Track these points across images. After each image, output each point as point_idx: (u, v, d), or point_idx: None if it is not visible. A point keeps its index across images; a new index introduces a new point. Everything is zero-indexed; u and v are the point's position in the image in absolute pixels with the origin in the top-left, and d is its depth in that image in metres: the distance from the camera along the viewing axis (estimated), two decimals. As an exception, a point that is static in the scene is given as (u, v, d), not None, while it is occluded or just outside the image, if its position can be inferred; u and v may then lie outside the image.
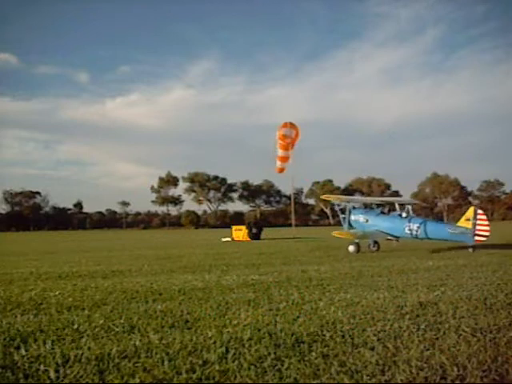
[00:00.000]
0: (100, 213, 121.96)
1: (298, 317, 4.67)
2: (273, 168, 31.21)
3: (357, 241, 14.86)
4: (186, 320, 4.63)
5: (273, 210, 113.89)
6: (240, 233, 29.16)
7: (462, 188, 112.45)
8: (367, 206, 17.23)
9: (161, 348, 3.62)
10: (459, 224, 14.48)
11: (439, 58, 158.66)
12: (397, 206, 16.29)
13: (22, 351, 3.59)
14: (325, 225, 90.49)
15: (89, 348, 3.65)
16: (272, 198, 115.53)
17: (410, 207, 15.84)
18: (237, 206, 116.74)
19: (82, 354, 3.49)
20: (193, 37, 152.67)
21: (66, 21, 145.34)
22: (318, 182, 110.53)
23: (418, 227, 14.73)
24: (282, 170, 31.05)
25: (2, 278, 8.73)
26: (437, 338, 3.83)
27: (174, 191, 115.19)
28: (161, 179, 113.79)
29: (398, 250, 15.02)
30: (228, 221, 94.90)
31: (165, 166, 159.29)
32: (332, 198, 18.64)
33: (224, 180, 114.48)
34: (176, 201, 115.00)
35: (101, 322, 4.58)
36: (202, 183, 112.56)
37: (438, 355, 3.37)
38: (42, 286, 7.40)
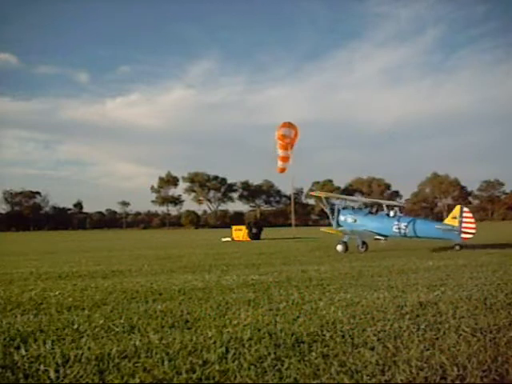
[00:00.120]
0: (100, 213, 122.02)
1: (298, 317, 4.66)
2: (273, 168, 31.23)
3: (345, 240, 15.14)
4: (186, 320, 4.62)
5: (273, 209, 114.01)
6: (240, 233, 29.17)
7: (462, 188, 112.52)
8: (356, 207, 17.52)
9: (161, 348, 3.62)
10: (446, 222, 14.73)
11: (439, 58, 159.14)
12: (384, 207, 16.53)
13: (22, 351, 3.58)
14: (325, 225, 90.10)
15: (89, 348, 3.64)
16: (272, 198, 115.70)
17: (397, 208, 16.18)
18: (237, 206, 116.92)
19: (82, 354, 3.48)
20: (193, 37, 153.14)
21: (66, 20, 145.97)
22: (318, 182, 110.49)
23: (407, 226, 14.96)
24: (283, 170, 31.06)
25: (2, 278, 8.73)
26: (437, 338, 3.83)
27: (174, 191, 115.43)
28: (161, 179, 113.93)
29: (393, 250, 15.04)
30: (228, 221, 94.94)
31: (165, 166, 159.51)
32: (320, 194, 18.94)
33: (224, 180, 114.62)
34: (176, 201, 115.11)
35: (101, 322, 4.58)
36: (202, 183, 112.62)
37: (437, 355, 3.37)
38: (42, 286, 7.40)
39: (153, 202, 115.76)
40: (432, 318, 4.53)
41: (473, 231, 14.22)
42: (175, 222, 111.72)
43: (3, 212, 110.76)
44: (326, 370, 3.12)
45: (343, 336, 3.91)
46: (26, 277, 8.97)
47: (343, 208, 17.04)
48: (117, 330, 4.25)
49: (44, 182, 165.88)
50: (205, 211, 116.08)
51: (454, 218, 14.41)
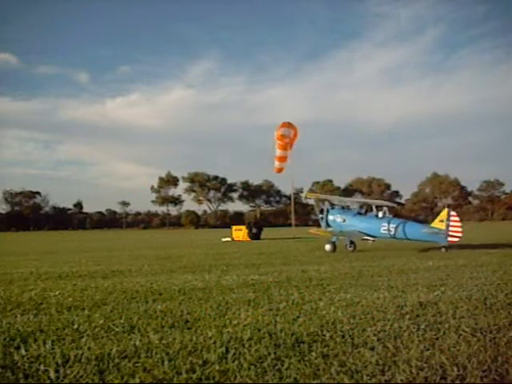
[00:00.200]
0: (100, 213, 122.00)
1: (298, 317, 4.66)
2: (273, 168, 31.18)
3: (333, 240, 15.41)
4: (186, 320, 4.62)
5: (273, 209, 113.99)
6: (240, 233, 29.17)
7: (462, 188, 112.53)
8: (345, 207, 17.65)
9: (161, 348, 3.62)
10: (433, 225, 14.90)
11: (439, 58, 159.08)
12: (374, 207, 16.66)
13: (22, 351, 3.58)
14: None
15: (89, 348, 3.64)
16: (272, 198, 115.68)
17: (386, 209, 16.29)
18: (237, 206, 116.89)
19: (82, 354, 3.48)
20: (193, 37, 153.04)
21: (66, 20, 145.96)
22: (318, 182, 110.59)
23: (395, 227, 15.14)
24: (280, 170, 30.99)
25: (2, 278, 8.73)
26: (437, 338, 3.83)
27: (174, 191, 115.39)
28: (161, 179, 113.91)
29: (383, 250, 15.06)
30: (228, 221, 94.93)
31: (165, 166, 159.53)
32: (312, 195, 19.19)
33: (224, 180, 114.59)
34: (176, 201, 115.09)
35: (101, 322, 4.58)
36: (202, 183, 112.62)
37: (438, 355, 3.37)
38: (42, 286, 7.40)
39: (153, 202, 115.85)
40: (432, 318, 4.53)
41: (459, 234, 14.45)
42: (175, 222, 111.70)
43: (3, 212, 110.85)
44: (325, 369, 3.12)
45: (343, 336, 3.91)
46: (26, 277, 8.97)
47: (332, 208, 17.31)
48: (117, 329, 4.25)
49: (44, 181, 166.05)
50: (205, 211, 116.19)
51: (441, 221, 14.60)
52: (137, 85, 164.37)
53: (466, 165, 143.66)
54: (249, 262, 11.46)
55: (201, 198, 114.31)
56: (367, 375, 3.02)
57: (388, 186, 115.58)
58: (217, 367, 3.18)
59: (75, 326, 4.40)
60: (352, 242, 16.23)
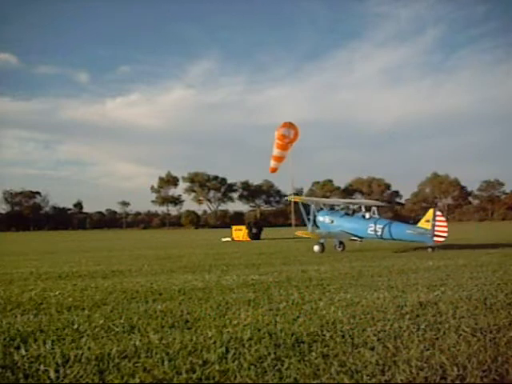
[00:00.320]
0: (100, 213, 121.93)
1: (298, 317, 4.67)
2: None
3: (322, 241, 15.56)
4: (186, 320, 4.63)
5: (273, 209, 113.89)
6: (240, 233, 29.17)
7: (462, 188, 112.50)
8: (332, 208, 17.91)
9: (161, 348, 3.62)
10: (419, 225, 15.00)
11: (439, 58, 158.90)
12: (362, 208, 16.79)
13: (22, 351, 3.59)
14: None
15: (89, 348, 3.65)
16: (272, 198, 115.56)
17: (375, 209, 16.44)
18: (237, 206, 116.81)
19: (82, 354, 3.49)
20: (193, 37, 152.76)
21: (65, 20, 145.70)
22: (318, 182, 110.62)
23: (382, 228, 15.28)
24: (274, 170, 30.83)
25: (2, 278, 8.73)
26: (437, 338, 3.83)
27: (174, 191, 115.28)
28: (161, 179, 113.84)
29: (368, 250, 15.07)
30: (228, 221, 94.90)
31: (165, 166, 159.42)
32: (297, 199, 19.30)
33: (224, 180, 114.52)
34: (176, 201, 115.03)
35: (101, 322, 4.58)
36: (202, 183, 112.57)
37: (438, 355, 3.37)
38: (42, 286, 7.40)
39: (153, 202, 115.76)
40: (432, 318, 4.54)
41: (445, 234, 14.54)
42: (175, 222, 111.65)
43: (3, 212, 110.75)
44: (326, 369, 3.12)
45: (343, 336, 3.92)
46: (26, 277, 8.97)
47: (321, 209, 17.50)
48: (117, 329, 4.25)
49: (44, 181, 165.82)
50: (205, 211, 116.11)
51: (427, 221, 14.71)
52: (137, 85, 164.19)
53: (466, 165, 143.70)
54: (249, 262, 11.46)
55: (201, 198, 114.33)
56: (367, 375, 3.02)
57: (388, 186, 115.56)
58: (217, 367, 3.18)
59: (75, 326, 4.40)
60: (341, 243, 16.45)
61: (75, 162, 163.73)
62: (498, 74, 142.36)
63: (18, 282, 8.09)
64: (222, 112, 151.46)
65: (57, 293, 6.63)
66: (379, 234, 15.29)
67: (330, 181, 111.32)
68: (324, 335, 3.94)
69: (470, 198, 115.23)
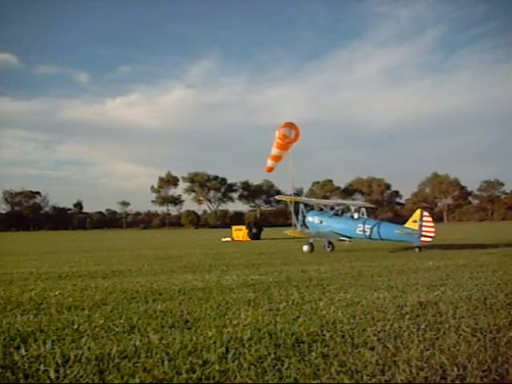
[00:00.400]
0: (100, 213, 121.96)
1: (298, 317, 4.66)
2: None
3: (311, 241, 15.80)
4: (186, 320, 4.63)
5: (273, 210, 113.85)
6: (240, 233, 29.19)
7: (462, 188, 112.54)
8: (322, 209, 17.93)
9: (161, 348, 3.62)
10: (407, 225, 15.15)
11: (439, 58, 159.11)
12: (352, 208, 16.93)
13: (22, 351, 3.59)
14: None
15: (89, 348, 3.65)
16: (272, 198, 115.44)
17: (364, 210, 16.63)
18: (237, 206, 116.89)
19: (82, 354, 3.49)
20: (193, 37, 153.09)
21: (65, 20, 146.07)
22: (318, 182, 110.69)
23: (371, 228, 15.44)
24: (271, 170, 30.77)
25: (2, 278, 8.73)
26: (437, 338, 3.83)
27: (174, 191, 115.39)
28: (161, 179, 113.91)
29: (357, 250, 15.08)
30: (228, 221, 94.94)
31: (165, 166, 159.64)
32: (286, 198, 19.31)
33: (224, 180, 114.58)
34: (176, 201, 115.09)
35: (101, 322, 4.58)
36: (202, 183, 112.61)
37: (438, 355, 3.37)
38: (42, 286, 7.40)
39: (153, 202, 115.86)
40: (432, 318, 4.53)
41: (432, 234, 14.66)
42: (175, 222, 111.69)
43: (3, 212, 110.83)
44: (326, 369, 3.12)
45: (343, 336, 3.91)
46: (26, 277, 8.97)
47: (311, 209, 17.66)
48: (117, 329, 4.25)
49: (44, 181, 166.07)
50: (205, 211, 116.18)
51: (415, 221, 14.85)
52: (137, 85, 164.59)
53: (466, 165, 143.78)
54: (249, 262, 11.46)
55: (201, 198, 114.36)
56: (367, 375, 3.02)
57: (388, 186, 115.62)
58: (217, 367, 3.18)
59: (75, 326, 4.40)
60: (330, 243, 16.60)
61: (75, 161, 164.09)
62: (498, 74, 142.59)
63: (18, 282, 8.09)
64: (222, 112, 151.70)
65: (57, 293, 6.63)
66: (368, 234, 15.48)
67: (330, 181, 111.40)
68: (324, 335, 3.94)
69: (470, 198, 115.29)
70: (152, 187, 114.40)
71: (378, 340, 3.78)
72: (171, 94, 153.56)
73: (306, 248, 15.56)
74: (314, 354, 3.44)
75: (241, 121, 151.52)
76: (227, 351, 3.52)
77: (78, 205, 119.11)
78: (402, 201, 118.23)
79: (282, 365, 3.22)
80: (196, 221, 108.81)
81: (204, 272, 9.31)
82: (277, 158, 29.94)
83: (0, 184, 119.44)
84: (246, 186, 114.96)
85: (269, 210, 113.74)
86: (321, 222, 16.77)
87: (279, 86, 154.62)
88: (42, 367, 3.22)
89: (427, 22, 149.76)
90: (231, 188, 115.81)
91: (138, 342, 3.77)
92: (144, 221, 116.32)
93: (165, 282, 7.74)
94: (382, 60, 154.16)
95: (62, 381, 3.01)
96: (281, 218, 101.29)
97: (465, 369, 3.12)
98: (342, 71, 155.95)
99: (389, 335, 3.93)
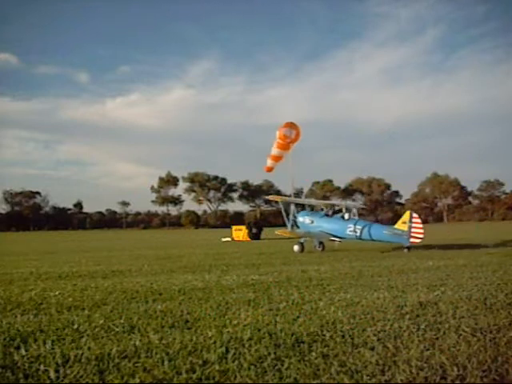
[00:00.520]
0: (100, 213, 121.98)
1: (298, 317, 4.66)
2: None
3: (302, 241, 15.92)
4: (186, 320, 4.62)
5: (273, 210, 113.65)
6: (240, 233, 29.22)
7: (462, 188, 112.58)
8: (313, 209, 18.13)
9: (161, 348, 3.62)
10: (396, 226, 15.31)
11: (439, 58, 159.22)
12: (343, 209, 16.99)
13: (22, 351, 3.58)
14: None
15: (89, 348, 3.64)
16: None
17: (355, 210, 16.87)
18: (237, 206, 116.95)
19: (82, 354, 3.48)
20: (193, 37, 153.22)
21: (65, 20, 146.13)
22: (318, 182, 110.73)
23: (361, 229, 15.62)
24: (270, 170, 30.77)
25: (2, 278, 8.73)
26: (437, 338, 3.83)
27: (174, 191, 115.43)
28: (161, 179, 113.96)
29: (347, 250, 15.10)
30: (228, 221, 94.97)
31: (165, 166, 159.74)
32: (277, 198, 19.36)
33: (224, 180, 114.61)
34: (176, 201, 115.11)
35: (101, 322, 4.58)
36: (202, 183, 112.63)
37: (438, 355, 3.37)
38: (42, 286, 7.40)
39: (153, 202, 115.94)
40: (432, 318, 4.53)
41: (421, 236, 14.82)
42: (175, 222, 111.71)
43: (3, 212, 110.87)
44: (326, 369, 3.12)
45: (343, 336, 3.91)
46: (26, 277, 8.97)
47: (302, 209, 17.76)
48: (117, 329, 4.25)
49: (44, 181, 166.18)
50: (205, 211, 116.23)
51: (404, 222, 15.00)
52: (137, 85, 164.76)
53: (466, 165, 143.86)
54: (249, 262, 11.46)
55: (201, 198, 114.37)
56: (367, 375, 3.02)
57: (388, 186, 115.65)
58: (217, 367, 3.18)
59: (75, 326, 4.40)
60: (321, 243, 16.74)
61: (75, 161, 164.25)
62: (498, 74, 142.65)
63: (17, 282, 8.09)
64: (222, 112, 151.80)
65: (57, 293, 6.62)
66: (358, 234, 15.63)
67: (330, 181, 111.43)
68: (324, 335, 3.94)
69: (470, 198, 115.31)
70: (152, 187, 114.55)
71: (378, 340, 3.78)
72: (171, 93, 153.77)
73: (296, 248, 15.69)
74: (313, 354, 3.44)
75: (241, 121, 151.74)
76: (227, 351, 3.52)
77: (78, 205, 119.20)
78: (402, 201, 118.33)
79: (282, 365, 3.22)
80: (196, 221, 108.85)
81: (204, 272, 9.31)
82: (277, 158, 29.92)
83: (0, 184, 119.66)
84: (245, 186, 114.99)
85: (269, 210, 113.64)
86: (312, 222, 16.90)
87: (279, 85, 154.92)
88: (41, 367, 3.22)
89: (427, 22, 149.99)
90: (231, 188, 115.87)
91: (137, 342, 3.77)
92: (144, 221, 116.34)
93: (165, 282, 7.73)
94: (382, 60, 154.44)
95: (62, 381, 3.01)
96: (281, 218, 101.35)
97: (465, 369, 3.12)
98: (342, 71, 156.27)
99: (389, 335, 3.93)
